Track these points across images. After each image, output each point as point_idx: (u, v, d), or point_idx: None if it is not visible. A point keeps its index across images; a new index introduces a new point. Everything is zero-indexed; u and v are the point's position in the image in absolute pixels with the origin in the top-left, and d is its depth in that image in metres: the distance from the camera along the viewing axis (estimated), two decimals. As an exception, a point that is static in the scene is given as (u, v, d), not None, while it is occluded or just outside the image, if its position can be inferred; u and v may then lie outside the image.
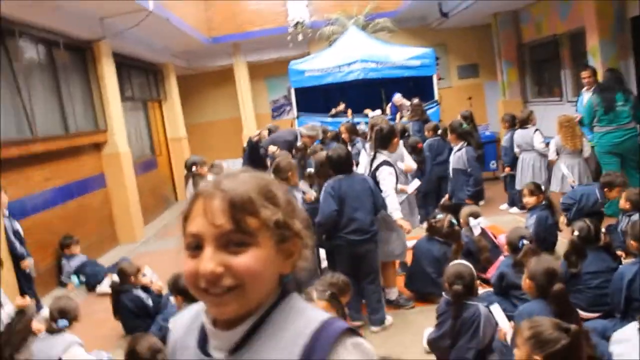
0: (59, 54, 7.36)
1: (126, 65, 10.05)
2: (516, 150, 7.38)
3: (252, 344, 1.00)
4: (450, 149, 6.81)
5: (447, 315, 3.39)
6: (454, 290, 3.36)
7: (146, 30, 9.15)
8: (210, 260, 0.95)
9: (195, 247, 0.98)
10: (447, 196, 6.63)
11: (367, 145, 5.58)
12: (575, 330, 2.33)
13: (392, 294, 4.81)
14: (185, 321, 1.15)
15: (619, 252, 4.41)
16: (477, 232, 5.06)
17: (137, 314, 4.71)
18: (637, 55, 7.74)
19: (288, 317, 1.01)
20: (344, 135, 7.31)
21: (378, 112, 8.80)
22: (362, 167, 5.24)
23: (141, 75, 11.08)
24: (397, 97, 9.42)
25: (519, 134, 7.34)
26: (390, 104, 9.82)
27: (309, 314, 1.02)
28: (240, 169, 1.10)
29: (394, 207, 4.50)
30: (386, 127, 4.89)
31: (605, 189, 5.31)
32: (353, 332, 0.99)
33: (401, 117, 8.89)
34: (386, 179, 4.56)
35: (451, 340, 3.29)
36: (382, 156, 4.75)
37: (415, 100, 8.47)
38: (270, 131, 8.20)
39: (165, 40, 11.01)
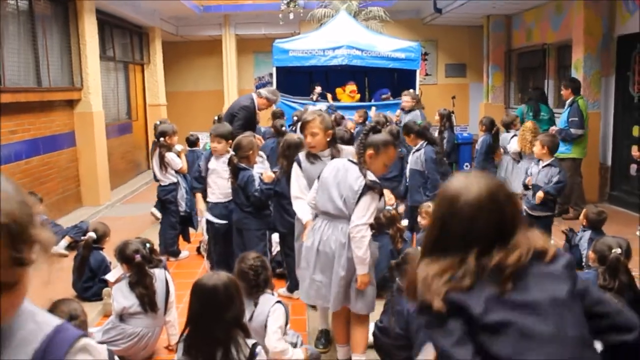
0: (38, 4, 7.15)
1: (110, 24, 9.83)
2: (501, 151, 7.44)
3: None
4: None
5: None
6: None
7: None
8: None
9: None
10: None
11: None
12: None
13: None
14: None
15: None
16: None
17: (95, 274, 4.66)
18: (619, 73, 7.79)
19: (17, 321, 1.02)
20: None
21: (324, 105, 8.60)
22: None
23: (125, 36, 10.84)
24: (373, 112, 8.42)
25: (503, 137, 7.40)
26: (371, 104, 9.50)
27: (39, 319, 1.05)
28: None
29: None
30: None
31: None
32: (85, 336, 1.06)
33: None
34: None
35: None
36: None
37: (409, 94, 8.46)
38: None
39: (155, 4, 10.82)
